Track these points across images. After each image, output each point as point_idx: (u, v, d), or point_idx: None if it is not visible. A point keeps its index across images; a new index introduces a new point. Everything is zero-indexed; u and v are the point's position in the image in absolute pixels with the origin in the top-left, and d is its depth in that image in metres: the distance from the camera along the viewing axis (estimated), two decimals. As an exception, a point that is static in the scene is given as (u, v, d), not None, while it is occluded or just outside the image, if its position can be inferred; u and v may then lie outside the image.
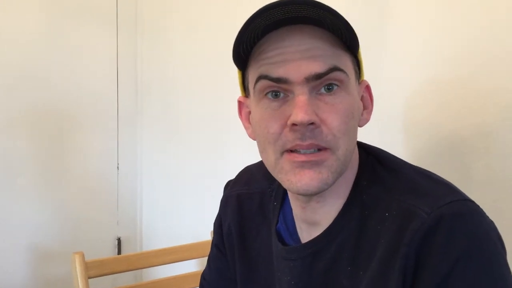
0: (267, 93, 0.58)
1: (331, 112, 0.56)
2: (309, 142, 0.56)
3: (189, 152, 1.65)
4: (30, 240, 1.61)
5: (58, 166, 1.68)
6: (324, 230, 0.63)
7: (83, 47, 1.72)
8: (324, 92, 0.56)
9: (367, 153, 0.66)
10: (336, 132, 0.56)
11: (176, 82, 1.69)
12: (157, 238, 1.83)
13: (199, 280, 0.86)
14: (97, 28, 1.76)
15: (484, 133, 0.84)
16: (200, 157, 1.60)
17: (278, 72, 0.56)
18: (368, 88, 0.65)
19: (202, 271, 0.87)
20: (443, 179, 0.61)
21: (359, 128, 0.62)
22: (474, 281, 0.51)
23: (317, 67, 0.55)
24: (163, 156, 1.80)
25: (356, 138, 0.61)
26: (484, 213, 0.56)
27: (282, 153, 0.58)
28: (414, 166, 0.64)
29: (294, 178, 0.57)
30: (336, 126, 0.56)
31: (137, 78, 1.86)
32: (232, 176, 0.82)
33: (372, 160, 0.64)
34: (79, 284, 1.05)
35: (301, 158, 0.56)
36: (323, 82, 0.56)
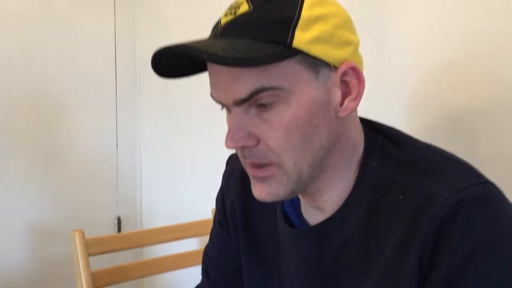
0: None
1: (268, 130, 0.54)
2: (248, 161, 0.57)
3: (188, 130, 1.65)
4: (30, 220, 1.62)
5: (56, 146, 1.67)
6: (331, 216, 0.61)
7: (80, 27, 1.69)
8: (261, 107, 0.54)
9: (377, 131, 0.62)
10: (276, 149, 0.54)
11: (175, 61, 1.67)
12: (157, 217, 1.83)
13: (199, 258, 0.86)
14: (95, 7, 1.73)
15: (490, 109, 0.83)
16: (199, 135, 1.59)
17: (215, 94, 0.57)
18: (353, 70, 0.56)
19: (202, 249, 0.87)
20: (460, 159, 0.58)
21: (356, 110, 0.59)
22: (494, 267, 0.50)
23: (238, 93, 0.53)
24: (162, 135, 1.79)
25: (318, 143, 0.56)
26: (504, 196, 0.53)
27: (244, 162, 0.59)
28: (429, 145, 0.61)
29: (252, 188, 0.59)
30: (273, 144, 0.54)
31: (135, 57, 1.84)
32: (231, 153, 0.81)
33: (383, 139, 0.61)
34: (79, 261, 1.05)
35: (251, 172, 0.58)
36: (253, 103, 0.54)
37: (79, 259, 1.05)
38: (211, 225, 0.85)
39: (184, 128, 1.67)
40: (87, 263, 1.06)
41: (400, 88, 0.97)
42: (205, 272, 0.84)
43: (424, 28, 0.92)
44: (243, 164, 0.60)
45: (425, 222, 0.52)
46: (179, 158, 1.71)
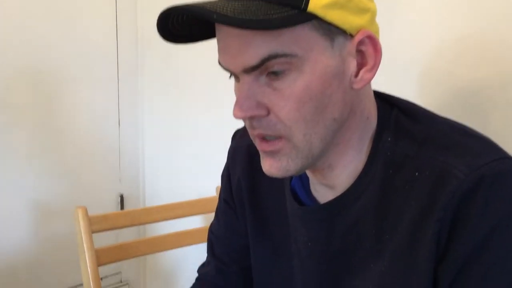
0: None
1: (279, 100, 0.51)
2: (257, 132, 0.54)
3: (192, 107, 1.62)
4: (32, 198, 1.61)
5: (58, 124, 1.65)
6: (342, 193, 0.59)
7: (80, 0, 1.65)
8: (272, 75, 0.51)
9: (391, 105, 0.60)
10: (286, 121, 0.52)
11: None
12: (160, 195, 1.83)
13: (202, 236, 0.85)
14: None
15: (502, 83, 0.80)
16: (202, 113, 1.57)
17: (223, 61, 0.54)
18: (370, 39, 0.53)
19: (206, 227, 0.85)
20: (480, 133, 0.56)
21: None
22: None
23: (249, 59, 0.50)
24: (164, 112, 1.77)
25: (331, 115, 0.53)
26: None
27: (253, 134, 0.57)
28: (447, 119, 0.58)
29: (262, 163, 0.57)
30: (284, 115, 0.52)
31: (137, 31, 1.80)
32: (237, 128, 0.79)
33: (397, 113, 0.58)
34: (83, 238, 1.04)
35: (260, 146, 0.56)
36: (264, 71, 0.51)
37: (83, 236, 1.04)
38: (215, 202, 0.83)
39: (187, 105, 1.64)
40: (91, 240, 1.05)
41: (413, 61, 0.94)
42: (210, 250, 0.82)
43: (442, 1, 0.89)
44: (251, 136, 0.57)
45: (443, 200, 0.50)
46: (182, 134, 1.69)
